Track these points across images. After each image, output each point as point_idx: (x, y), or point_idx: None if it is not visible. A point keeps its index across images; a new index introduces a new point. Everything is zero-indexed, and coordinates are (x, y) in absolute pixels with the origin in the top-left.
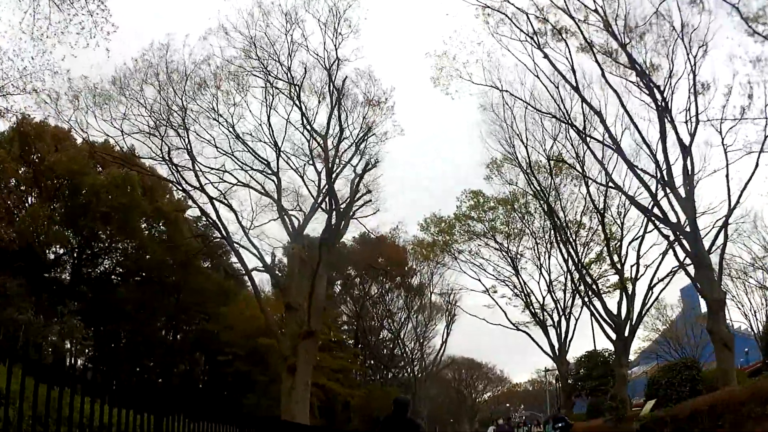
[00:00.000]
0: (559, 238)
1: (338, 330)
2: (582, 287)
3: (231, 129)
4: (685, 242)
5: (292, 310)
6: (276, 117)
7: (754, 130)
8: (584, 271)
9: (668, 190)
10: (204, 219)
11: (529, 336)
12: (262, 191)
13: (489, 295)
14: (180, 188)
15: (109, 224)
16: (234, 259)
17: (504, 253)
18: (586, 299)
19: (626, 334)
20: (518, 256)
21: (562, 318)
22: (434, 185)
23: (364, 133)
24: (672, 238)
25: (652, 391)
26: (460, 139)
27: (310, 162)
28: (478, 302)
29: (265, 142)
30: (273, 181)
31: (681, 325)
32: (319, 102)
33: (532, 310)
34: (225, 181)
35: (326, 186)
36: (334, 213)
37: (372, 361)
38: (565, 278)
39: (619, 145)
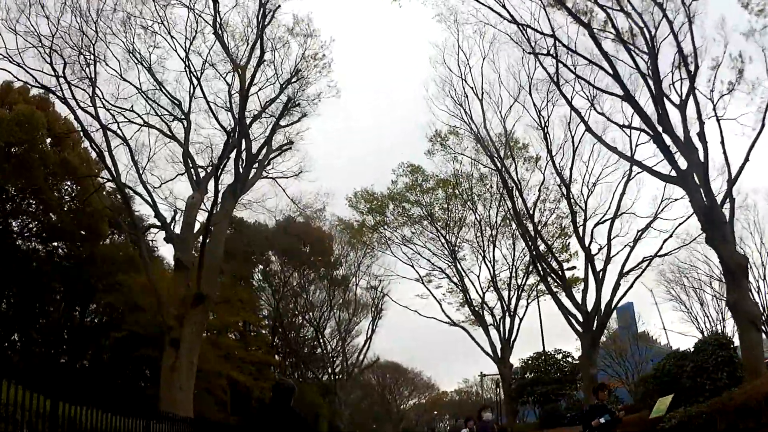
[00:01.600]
0: (515, 218)
1: (257, 324)
2: (542, 271)
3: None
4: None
5: (183, 269)
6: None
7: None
8: (548, 253)
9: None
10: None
11: (467, 333)
12: (169, 133)
13: (422, 283)
14: (66, 104)
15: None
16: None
17: (442, 241)
18: (550, 282)
19: (594, 327)
20: (457, 248)
21: (506, 315)
22: (371, 158)
23: (291, 76)
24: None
25: (659, 383)
26: (405, 106)
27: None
28: (408, 295)
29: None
30: (182, 124)
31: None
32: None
33: (473, 306)
34: (130, 121)
35: (237, 119)
36: (244, 154)
37: (293, 359)
38: (510, 272)
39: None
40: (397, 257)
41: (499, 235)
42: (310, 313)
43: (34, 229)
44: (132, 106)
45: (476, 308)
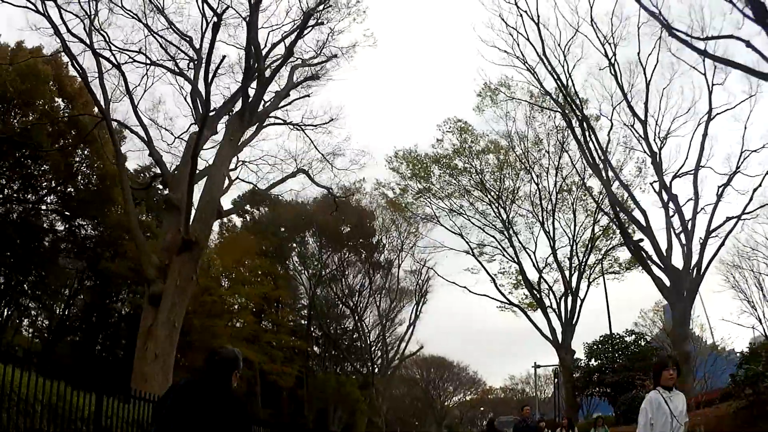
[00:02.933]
0: (584, 155)
1: (295, 312)
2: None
3: None
4: None
5: (173, 209)
6: None
7: None
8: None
9: None
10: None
11: (523, 312)
12: (176, 70)
13: (473, 255)
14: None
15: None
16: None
17: (494, 213)
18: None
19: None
20: (511, 221)
21: (568, 294)
22: (413, 117)
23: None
24: None
25: None
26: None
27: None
28: (455, 279)
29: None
30: (191, 58)
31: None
32: None
33: (529, 283)
34: (133, 60)
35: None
36: (256, 76)
37: (334, 352)
38: (571, 248)
39: None
40: (444, 226)
41: (556, 210)
42: (350, 300)
43: (52, 204)
44: (141, 49)
45: (533, 287)
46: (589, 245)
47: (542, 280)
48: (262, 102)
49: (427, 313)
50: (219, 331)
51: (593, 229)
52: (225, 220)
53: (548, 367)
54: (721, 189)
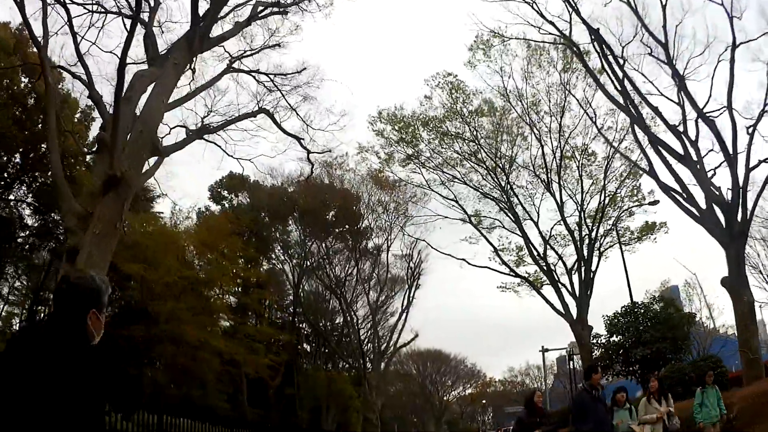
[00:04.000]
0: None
1: (283, 308)
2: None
3: None
4: None
5: (104, 149)
6: None
7: None
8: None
9: None
10: None
11: (532, 286)
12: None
13: (470, 223)
14: None
15: None
16: None
17: (493, 179)
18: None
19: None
20: (512, 186)
21: (581, 263)
22: (399, 76)
23: None
24: None
25: None
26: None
27: None
28: (450, 264)
29: None
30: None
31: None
32: None
33: (536, 252)
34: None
35: None
36: None
37: (325, 349)
38: (580, 214)
39: None
40: (437, 192)
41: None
42: (338, 290)
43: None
44: None
45: (541, 257)
46: (599, 215)
47: (550, 249)
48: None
49: (420, 299)
50: (191, 320)
51: (603, 195)
52: (202, 207)
53: (556, 351)
54: (751, 128)
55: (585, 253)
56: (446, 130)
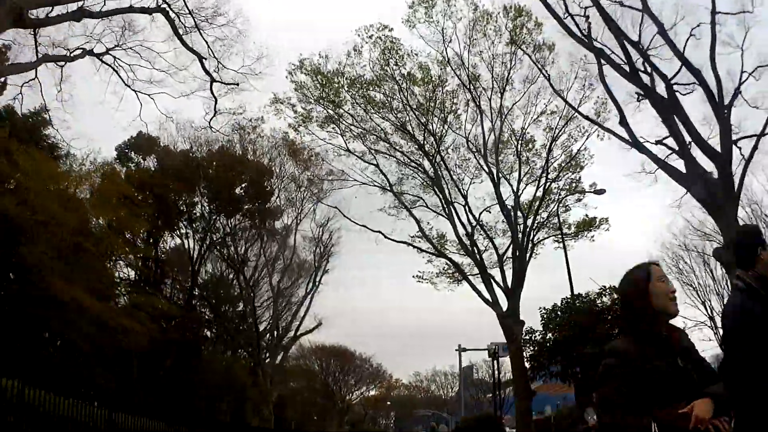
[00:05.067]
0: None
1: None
2: None
3: None
4: None
5: None
6: None
7: None
8: None
9: None
10: None
11: (458, 269)
12: None
13: (392, 192)
14: None
15: None
16: None
17: (422, 152)
18: None
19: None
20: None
21: (515, 252)
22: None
23: None
24: None
25: None
26: None
27: None
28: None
29: None
30: None
31: None
32: None
33: (466, 230)
34: None
35: None
36: None
37: (227, 336)
38: (515, 192)
39: None
40: (356, 155)
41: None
42: (241, 269)
43: None
44: None
45: (471, 239)
46: (535, 204)
47: (479, 234)
48: None
49: (328, 286)
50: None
51: (544, 180)
52: (106, 168)
53: (478, 351)
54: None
55: (520, 238)
56: (372, 98)
